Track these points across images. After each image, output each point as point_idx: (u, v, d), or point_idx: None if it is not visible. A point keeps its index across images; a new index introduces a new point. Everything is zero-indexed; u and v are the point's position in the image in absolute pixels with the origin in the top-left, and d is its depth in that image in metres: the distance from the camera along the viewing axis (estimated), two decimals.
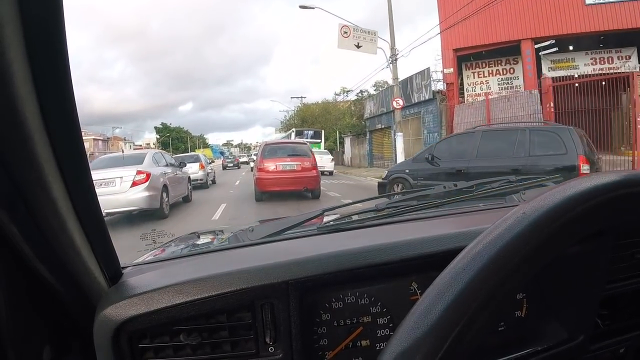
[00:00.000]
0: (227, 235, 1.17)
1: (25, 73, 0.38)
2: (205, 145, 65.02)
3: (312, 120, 29.82)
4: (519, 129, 5.98)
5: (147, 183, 6.33)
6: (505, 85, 14.95)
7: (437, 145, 6.86)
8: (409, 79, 15.87)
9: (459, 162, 6.09)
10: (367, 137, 22.51)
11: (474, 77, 15.12)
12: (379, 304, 0.66)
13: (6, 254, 0.48)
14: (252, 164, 16.29)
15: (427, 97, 14.82)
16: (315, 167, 8.81)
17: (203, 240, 1.24)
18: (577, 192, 0.38)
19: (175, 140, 59.25)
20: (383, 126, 19.86)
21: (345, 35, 12.58)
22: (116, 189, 6.13)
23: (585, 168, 5.02)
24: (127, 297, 0.58)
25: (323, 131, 24.35)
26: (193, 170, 11.16)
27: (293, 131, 24.17)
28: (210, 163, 17.20)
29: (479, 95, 14.84)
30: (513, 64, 15.17)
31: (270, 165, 8.46)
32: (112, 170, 6.31)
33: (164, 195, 6.89)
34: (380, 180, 7.66)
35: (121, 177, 6.22)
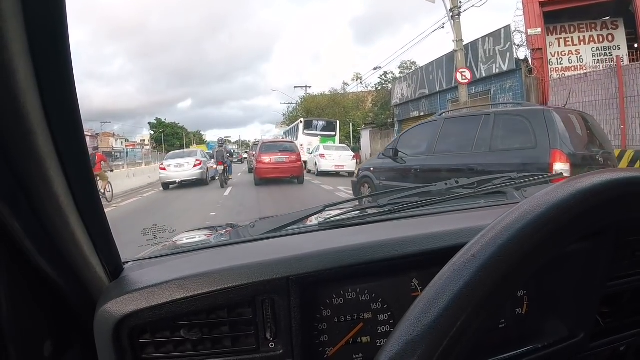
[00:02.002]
0: (229, 231, 1.18)
1: (28, 67, 0.38)
2: (202, 142, 61.64)
3: (318, 112, 25.94)
4: (484, 113, 4.29)
5: (200, 165, 12.75)
6: (602, 57, 11.08)
7: (403, 135, 5.39)
8: (471, 46, 11.45)
9: (417, 160, 4.75)
10: (396, 128, 17.76)
11: (559, 45, 11.28)
12: (380, 300, 0.66)
13: (7, 248, 0.48)
14: (250, 158, 19.39)
15: (505, 68, 10.50)
16: (299, 159, 12.08)
17: (204, 235, 1.25)
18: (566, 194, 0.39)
19: (170, 137, 57.12)
20: (422, 113, 15.13)
21: None
22: (185, 168, 12.55)
23: (560, 168, 3.22)
24: (127, 292, 0.58)
25: (338, 122, 20.46)
26: (211, 163, 15.11)
27: (301, 122, 20.39)
28: None
29: (568, 69, 11.01)
30: (612, 28, 11.25)
31: (266, 158, 11.70)
32: (182, 159, 12.81)
33: (208, 173, 13.61)
34: (353, 178, 6.59)
35: (188, 162, 12.64)
